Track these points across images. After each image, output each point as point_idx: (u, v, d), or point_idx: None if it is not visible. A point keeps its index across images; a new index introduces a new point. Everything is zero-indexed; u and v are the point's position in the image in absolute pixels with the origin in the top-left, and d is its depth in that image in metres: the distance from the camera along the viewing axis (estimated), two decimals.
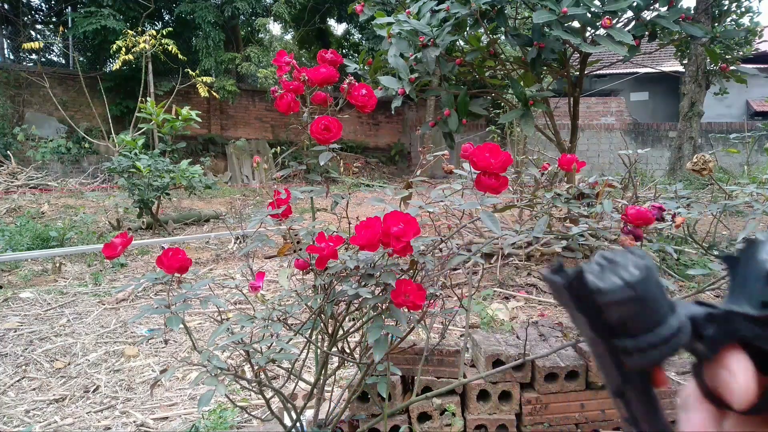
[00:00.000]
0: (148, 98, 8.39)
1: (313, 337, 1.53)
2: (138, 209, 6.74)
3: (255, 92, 14.56)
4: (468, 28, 3.82)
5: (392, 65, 3.69)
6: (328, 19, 16.81)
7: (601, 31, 3.21)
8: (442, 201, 1.41)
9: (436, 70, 3.74)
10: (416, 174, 1.58)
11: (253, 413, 2.15)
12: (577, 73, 4.24)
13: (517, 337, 2.13)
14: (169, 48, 9.39)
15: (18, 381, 2.65)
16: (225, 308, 3.46)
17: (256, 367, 1.30)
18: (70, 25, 12.17)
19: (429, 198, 1.46)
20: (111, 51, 9.71)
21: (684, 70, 9.87)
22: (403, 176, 13.61)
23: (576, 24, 3.42)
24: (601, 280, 0.26)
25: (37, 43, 10.32)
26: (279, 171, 1.58)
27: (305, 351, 1.65)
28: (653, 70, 9.92)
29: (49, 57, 14.92)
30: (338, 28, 18.68)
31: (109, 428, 2.23)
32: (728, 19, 9.05)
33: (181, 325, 1.25)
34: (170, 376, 1.31)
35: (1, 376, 2.70)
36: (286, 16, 13.12)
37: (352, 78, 1.43)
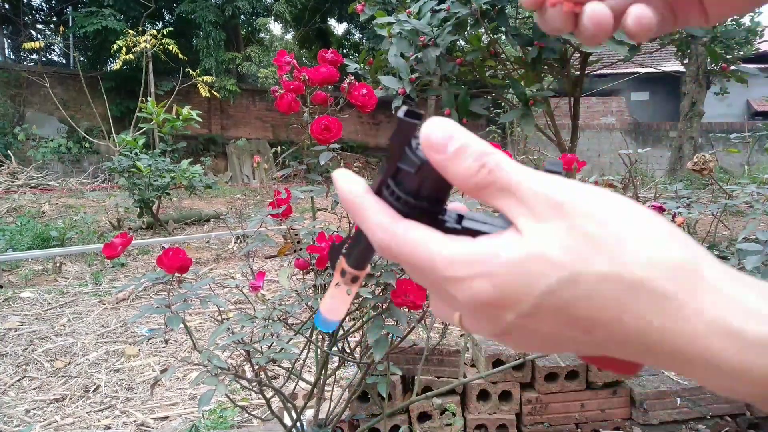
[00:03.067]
0: (148, 98, 8.40)
1: (314, 337, 1.53)
2: (138, 209, 6.74)
3: (255, 92, 14.56)
4: (468, 28, 3.82)
5: (393, 65, 3.69)
6: (328, 18, 16.81)
7: None
8: None
9: (437, 70, 3.74)
10: None
11: (253, 413, 2.15)
12: (578, 72, 4.24)
13: None
14: (170, 48, 9.40)
15: (18, 380, 2.66)
16: (225, 308, 3.46)
17: (256, 367, 1.30)
18: (70, 25, 12.18)
19: None
20: (112, 51, 9.72)
21: (684, 69, 9.87)
22: None
23: None
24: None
25: (37, 42, 10.34)
26: (279, 171, 1.58)
27: (305, 351, 1.65)
28: (654, 70, 9.92)
29: (49, 57, 14.95)
30: (339, 28, 18.69)
31: (110, 428, 2.23)
32: (729, 19, 9.05)
33: (182, 325, 1.26)
34: (170, 375, 1.31)
35: (1, 375, 2.70)
36: (286, 15, 13.12)
37: (353, 78, 1.43)
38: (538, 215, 0.24)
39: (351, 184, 0.28)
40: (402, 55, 3.69)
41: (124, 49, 9.17)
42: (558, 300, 0.23)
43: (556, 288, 0.23)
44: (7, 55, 14.39)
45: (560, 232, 0.23)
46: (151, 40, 9.25)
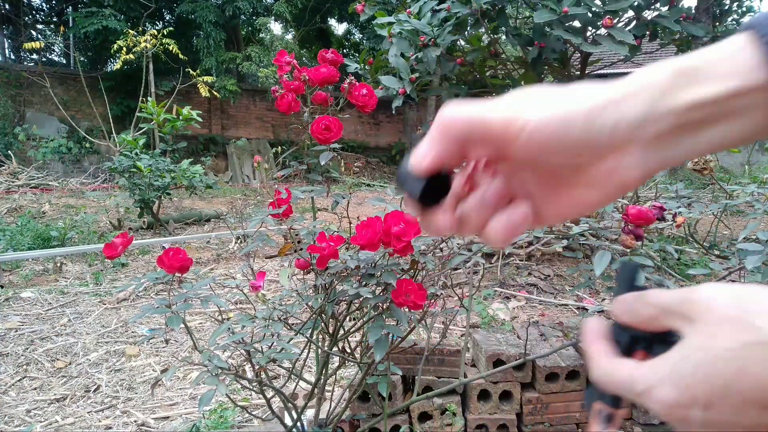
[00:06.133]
0: (149, 98, 8.39)
1: (314, 337, 1.53)
2: (139, 209, 6.74)
3: (256, 92, 14.56)
4: (469, 28, 3.82)
5: (393, 65, 3.69)
6: (329, 18, 16.82)
7: (602, 31, 3.21)
8: None
9: (437, 70, 3.74)
10: None
11: (253, 413, 2.15)
12: (578, 72, 4.24)
13: (518, 336, 2.12)
14: (170, 48, 9.39)
15: (19, 381, 2.66)
16: (226, 308, 3.46)
17: (257, 367, 1.30)
18: (70, 25, 12.19)
19: None
20: (112, 51, 9.71)
21: None
22: None
23: (577, 23, 3.42)
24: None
25: (38, 42, 10.33)
26: (280, 171, 1.58)
27: (306, 351, 1.65)
28: None
29: (50, 57, 14.95)
30: (339, 28, 18.70)
31: (110, 428, 2.24)
32: (729, 19, 9.03)
33: (182, 325, 1.26)
34: (171, 375, 1.31)
35: (2, 375, 2.71)
36: (287, 15, 13.12)
37: (353, 78, 1.43)
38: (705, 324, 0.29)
39: (594, 330, 0.35)
40: (402, 55, 3.69)
41: (124, 49, 9.16)
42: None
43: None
44: (8, 55, 14.40)
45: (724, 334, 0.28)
46: (151, 40, 9.23)
